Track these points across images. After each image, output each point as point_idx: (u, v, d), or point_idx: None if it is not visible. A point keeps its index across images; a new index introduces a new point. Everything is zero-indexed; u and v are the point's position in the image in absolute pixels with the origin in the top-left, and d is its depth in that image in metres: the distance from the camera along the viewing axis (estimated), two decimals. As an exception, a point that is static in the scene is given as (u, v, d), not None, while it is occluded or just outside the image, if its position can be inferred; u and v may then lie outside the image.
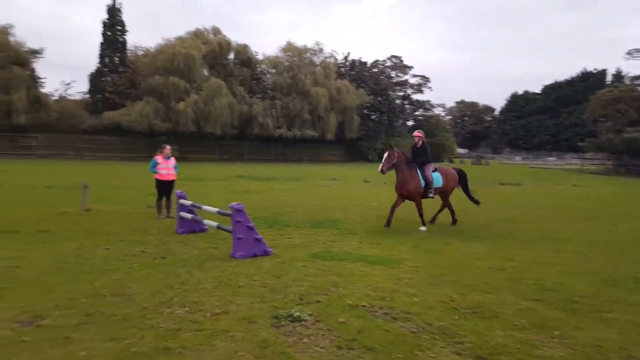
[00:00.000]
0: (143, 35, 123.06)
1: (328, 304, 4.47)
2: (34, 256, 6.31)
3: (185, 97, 37.98)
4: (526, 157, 68.00)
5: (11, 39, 35.89)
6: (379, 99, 51.29)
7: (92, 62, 60.79)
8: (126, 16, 41.83)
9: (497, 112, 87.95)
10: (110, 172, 23.87)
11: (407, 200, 9.31)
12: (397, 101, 56.69)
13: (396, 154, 8.94)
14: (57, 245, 7.04)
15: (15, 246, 6.86)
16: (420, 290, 5.05)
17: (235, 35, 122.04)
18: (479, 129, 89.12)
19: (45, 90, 38.92)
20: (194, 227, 8.49)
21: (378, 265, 6.10)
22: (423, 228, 8.95)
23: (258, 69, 47.44)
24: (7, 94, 34.00)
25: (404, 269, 5.98)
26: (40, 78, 38.41)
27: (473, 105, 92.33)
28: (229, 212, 6.54)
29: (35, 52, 37.78)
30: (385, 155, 8.87)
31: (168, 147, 10.48)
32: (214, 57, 42.71)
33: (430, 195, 9.06)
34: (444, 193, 9.56)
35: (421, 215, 9.09)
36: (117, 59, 39.64)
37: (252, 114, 42.47)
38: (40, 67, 55.37)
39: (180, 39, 40.95)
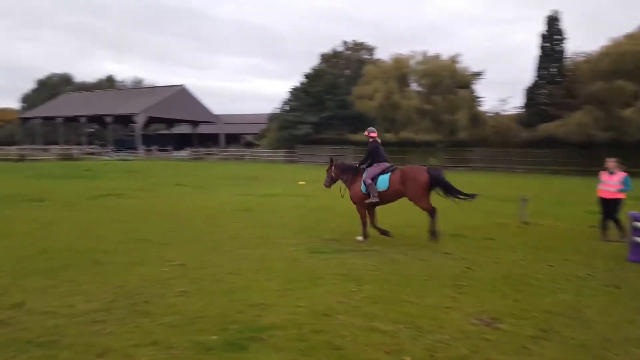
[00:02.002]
0: (583, 40, 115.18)
1: None
2: (481, 260, 6.90)
3: (632, 102, 32.73)
4: None
5: (458, 66, 41.71)
6: None
7: (527, 76, 62.39)
8: (565, 24, 40.26)
9: None
10: (543, 185, 23.56)
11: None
12: None
13: (333, 167, 8.96)
14: (500, 254, 7.44)
15: (463, 249, 7.72)
16: None
17: None
18: None
19: (483, 108, 42.88)
20: (653, 257, 7.03)
21: None
22: (360, 238, 8.26)
23: None
24: (453, 114, 39.67)
25: None
26: (479, 97, 42.62)
27: None
28: None
29: (477, 75, 42.27)
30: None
31: (610, 160, 9.19)
32: (675, 49, 34.74)
33: (371, 200, 8.17)
34: (412, 199, 8.16)
35: (363, 225, 8.40)
36: (555, 70, 38.84)
37: None
38: (480, 87, 61.49)
39: (629, 37, 35.64)
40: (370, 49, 52.86)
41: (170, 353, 3.43)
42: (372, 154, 8.53)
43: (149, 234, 8.38)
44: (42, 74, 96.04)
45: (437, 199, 8.23)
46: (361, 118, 42.92)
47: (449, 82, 40.26)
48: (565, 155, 36.37)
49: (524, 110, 40.87)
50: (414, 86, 43.56)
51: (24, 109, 72.88)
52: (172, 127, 65.84)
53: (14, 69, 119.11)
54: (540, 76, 39.45)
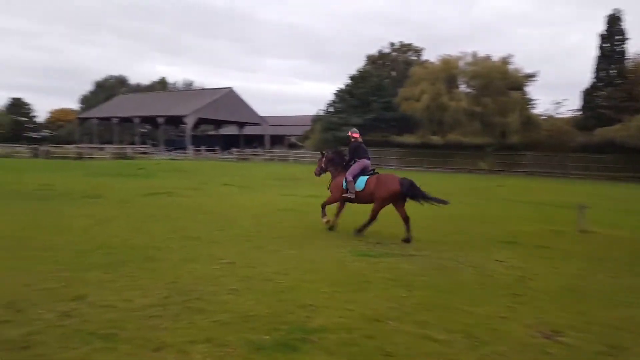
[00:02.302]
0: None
1: None
2: (536, 270, 6.59)
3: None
4: None
5: (510, 67, 40.20)
6: None
7: (584, 78, 59.36)
8: (628, 24, 37.80)
9: None
10: (601, 192, 22.31)
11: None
12: None
13: (324, 159, 9.65)
14: (557, 263, 7.10)
15: (517, 257, 7.40)
16: None
17: None
18: None
19: (536, 110, 41.14)
20: None
21: None
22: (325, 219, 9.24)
23: None
24: (504, 116, 38.25)
25: None
26: (532, 100, 40.91)
27: None
28: None
29: (530, 76, 40.58)
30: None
31: None
32: None
33: (347, 195, 8.91)
34: (375, 201, 8.61)
35: (322, 206, 9.43)
36: (614, 71, 36.71)
37: None
38: (533, 89, 58.97)
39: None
40: (417, 50, 52.10)
41: (224, 351, 3.48)
42: (353, 153, 9.29)
43: (198, 231, 8.60)
44: (100, 76, 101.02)
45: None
46: (407, 120, 42.29)
47: (500, 84, 38.94)
48: (625, 161, 34.28)
49: (580, 113, 38.89)
50: (463, 88, 42.43)
51: (82, 109, 76.89)
52: (219, 128, 67.55)
53: (73, 71, 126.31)
54: (598, 78, 37.43)
